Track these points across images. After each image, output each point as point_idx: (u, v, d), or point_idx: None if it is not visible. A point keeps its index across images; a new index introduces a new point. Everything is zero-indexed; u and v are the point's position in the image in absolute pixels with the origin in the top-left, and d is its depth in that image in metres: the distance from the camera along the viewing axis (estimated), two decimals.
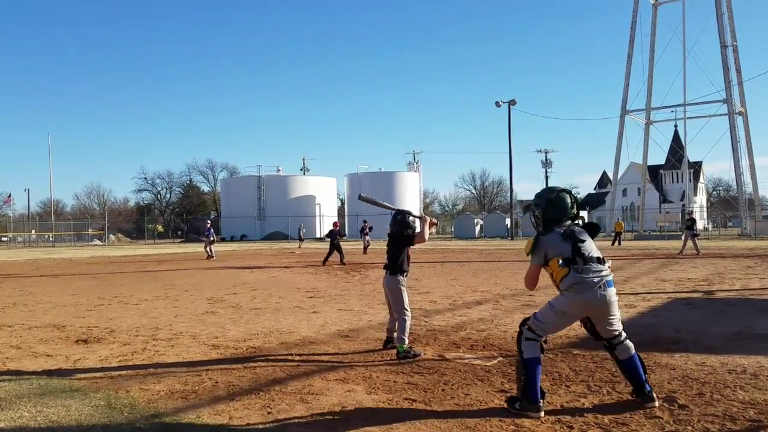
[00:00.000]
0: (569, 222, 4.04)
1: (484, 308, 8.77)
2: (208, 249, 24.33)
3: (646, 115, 54.30)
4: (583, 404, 4.03)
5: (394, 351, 5.58)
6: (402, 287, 5.71)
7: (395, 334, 5.64)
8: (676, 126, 60.07)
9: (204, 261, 22.68)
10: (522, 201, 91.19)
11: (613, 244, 31.81)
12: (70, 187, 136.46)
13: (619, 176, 59.03)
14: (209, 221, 27.57)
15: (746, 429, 3.54)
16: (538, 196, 4.21)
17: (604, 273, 3.82)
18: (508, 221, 51.95)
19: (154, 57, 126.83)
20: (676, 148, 62.40)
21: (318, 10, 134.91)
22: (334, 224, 19.99)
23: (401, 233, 5.80)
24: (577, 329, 6.82)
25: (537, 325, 3.91)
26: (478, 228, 57.56)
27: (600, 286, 3.77)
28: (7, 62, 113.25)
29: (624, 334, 4.00)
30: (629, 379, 4.04)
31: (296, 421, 3.77)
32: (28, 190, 71.62)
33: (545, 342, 4.03)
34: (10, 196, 62.73)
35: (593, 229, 4.06)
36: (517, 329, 4.06)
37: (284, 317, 8.17)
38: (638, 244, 33.71)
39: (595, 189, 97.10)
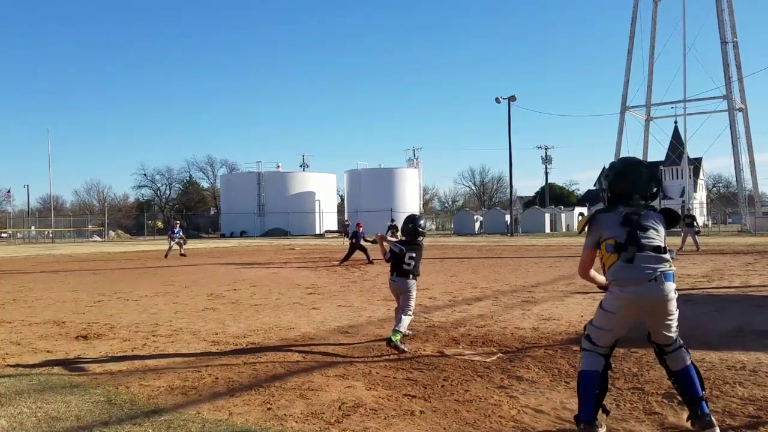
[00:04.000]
0: (642, 202, 3.39)
1: (483, 304, 8.77)
2: (175, 245, 22.99)
3: (646, 112, 54.39)
4: None
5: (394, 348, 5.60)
6: (415, 290, 6.07)
7: (400, 326, 5.77)
8: (676, 122, 60.23)
9: (185, 258, 21.89)
10: (522, 197, 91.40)
11: None
12: (69, 183, 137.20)
13: None
14: (178, 221, 26.12)
15: (745, 425, 3.54)
16: (609, 167, 3.59)
17: (661, 264, 3.21)
18: (507, 218, 51.92)
19: (153, 53, 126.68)
20: (676, 144, 62.42)
21: (318, 7, 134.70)
22: (358, 225, 19.46)
23: (412, 242, 6.09)
24: (576, 325, 6.84)
25: (592, 332, 3.41)
26: (477, 224, 57.56)
27: (654, 279, 3.18)
28: (6, 59, 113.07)
29: (680, 341, 3.40)
30: (683, 395, 3.39)
31: (296, 416, 3.77)
32: (28, 186, 71.81)
33: (608, 353, 3.40)
34: (9, 191, 62.70)
35: (671, 217, 3.42)
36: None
37: (284, 313, 8.18)
38: None
39: (595, 185, 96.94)
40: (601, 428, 3.27)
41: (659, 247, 3.24)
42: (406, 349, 5.63)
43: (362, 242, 17.96)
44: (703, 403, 3.28)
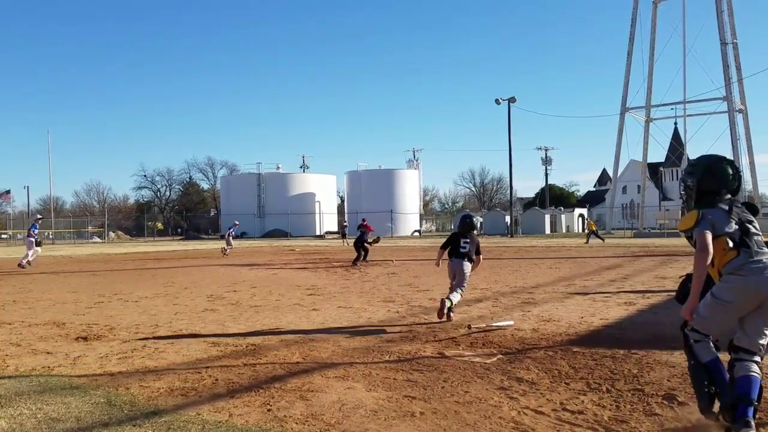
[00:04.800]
0: (728, 197, 3.46)
1: (483, 306, 8.77)
2: (227, 244, 25.29)
3: (646, 113, 54.29)
4: (583, 402, 4.04)
5: (394, 348, 5.63)
6: (470, 271, 7.76)
7: (453, 297, 7.38)
8: (676, 123, 60.07)
9: (220, 258, 23.10)
10: (522, 198, 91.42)
11: (587, 241, 32.87)
12: (69, 184, 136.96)
13: (619, 174, 59.07)
14: (236, 222, 29.36)
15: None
16: (692, 164, 3.64)
17: None
18: (507, 219, 51.92)
19: (153, 54, 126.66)
20: (676, 145, 62.36)
21: (317, 8, 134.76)
22: (368, 227, 19.72)
23: (466, 234, 7.79)
24: (576, 326, 6.84)
25: (700, 323, 3.35)
26: (477, 225, 57.55)
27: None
28: (6, 59, 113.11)
29: (761, 357, 3.32)
30: (732, 393, 3.24)
31: (296, 418, 3.77)
32: (28, 187, 71.46)
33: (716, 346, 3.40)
34: (9, 192, 62.57)
35: (753, 210, 3.52)
36: (678, 335, 3.56)
37: (284, 315, 8.18)
38: (638, 242, 33.71)
39: (595, 186, 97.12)
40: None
41: (765, 242, 3.32)
42: (453, 317, 7.29)
43: (366, 243, 18.38)
44: (750, 408, 3.14)
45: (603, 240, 33.01)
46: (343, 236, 39.22)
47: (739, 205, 3.42)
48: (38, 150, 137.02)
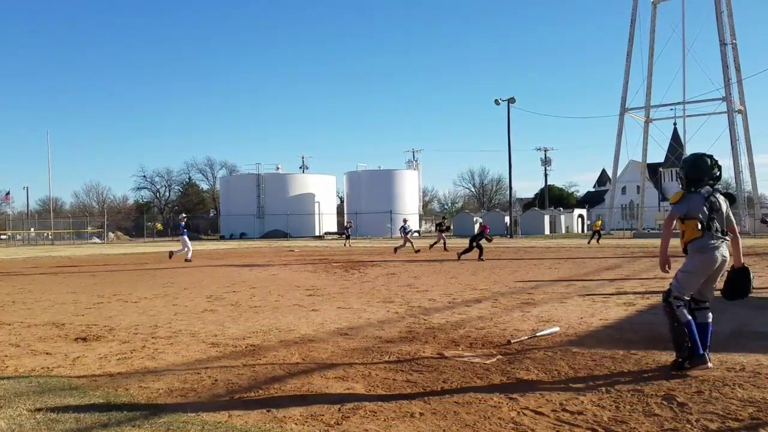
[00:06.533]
0: (711, 182, 4.64)
1: (483, 306, 8.77)
2: (408, 243, 26.21)
3: (646, 113, 54.32)
4: (582, 402, 4.04)
5: (394, 349, 5.63)
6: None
7: None
8: (675, 124, 60.11)
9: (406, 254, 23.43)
10: (521, 199, 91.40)
11: (589, 242, 32.95)
12: (69, 185, 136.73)
13: (618, 174, 59.09)
14: (406, 219, 30.16)
15: (745, 427, 3.54)
16: (683, 160, 4.92)
17: (725, 241, 4.60)
18: (507, 219, 51.92)
19: (153, 55, 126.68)
20: (676, 146, 62.35)
21: (316, 9, 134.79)
22: (484, 227, 21.14)
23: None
24: (576, 327, 6.84)
25: (679, 289, 4.62)
26: (477, 226, 57.47)
27: (720, 249, 4.54)
28: (5, 60, 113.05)
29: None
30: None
31: (295, 418, 3.77)
32: (27, 187, 72.04)
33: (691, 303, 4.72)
34: (8, 193, 62.69)
35: (731, 199, 4.74)
36: (662, 303, 4.80)
37: (283, 315, 8.17)
38: (637, 243, 33.70)
39: (594, 187, 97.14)
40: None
41: (723, 230, 4.57)
42: None
43: (484, 241, 20.04)
44: (708, 351, 4.65)
45: (589, 243, 32.45)
46: (347, 237, 39.06)
47: (717, 195, 4.59)
48: (38, 150, 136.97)
